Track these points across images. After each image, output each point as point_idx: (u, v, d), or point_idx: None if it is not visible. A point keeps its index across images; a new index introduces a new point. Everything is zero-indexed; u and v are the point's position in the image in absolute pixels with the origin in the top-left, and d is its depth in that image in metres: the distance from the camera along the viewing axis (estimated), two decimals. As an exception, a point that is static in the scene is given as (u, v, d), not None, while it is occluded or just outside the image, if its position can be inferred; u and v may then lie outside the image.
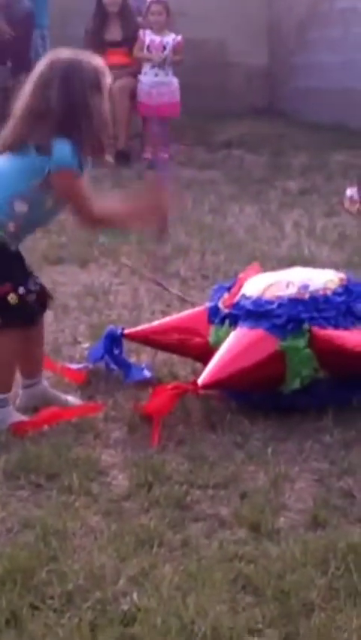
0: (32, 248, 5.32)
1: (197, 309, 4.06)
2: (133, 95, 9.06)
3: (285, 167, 8.60)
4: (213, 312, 3.86)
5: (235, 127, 10.36)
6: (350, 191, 7.16)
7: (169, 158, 9.04)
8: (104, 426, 3.59)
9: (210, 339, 3.80)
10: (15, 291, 3.54)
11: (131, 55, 9.04)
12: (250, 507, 3.05)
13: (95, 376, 4.00)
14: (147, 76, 8.99)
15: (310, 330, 3.61)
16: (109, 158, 3.60)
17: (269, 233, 6.44)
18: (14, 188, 3.51)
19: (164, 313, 4.72)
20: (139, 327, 4.14)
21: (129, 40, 9.05)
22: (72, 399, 3.79)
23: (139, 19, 9.20)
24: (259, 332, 3.63)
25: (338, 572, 2.71)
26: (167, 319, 4.16)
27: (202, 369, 3.69)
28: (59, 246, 5.93)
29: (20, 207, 3.52)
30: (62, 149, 3.46)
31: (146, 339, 4.04)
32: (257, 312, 3.67)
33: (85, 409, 3.69)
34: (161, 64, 8.95)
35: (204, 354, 3.77)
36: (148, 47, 8.95)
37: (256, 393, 3.69)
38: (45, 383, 3.80)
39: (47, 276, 5.24)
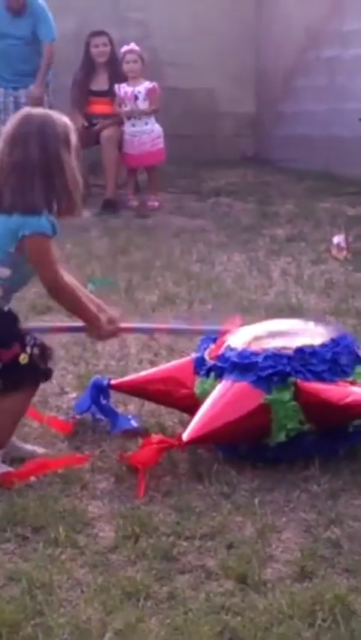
0: (20, 297, 5.32)
1: (183, 359, 4.07)
2: (120, 144, 9.15)
3: (273, 215, 8.66)
4: (199, 363, 3.87)
5: (224, 175, 10.44)
6: (337, 239, 7.20)
7: (159, 206, 9.11)
8: (91, 477, 3.58)
9: (196, 390, 3.80)
10: (24, 350, 3.57)
11: (117, 104, 9.16)
12: (236, 558, 3.04)
13: (82, 427, 4.00)
14: (127, 127, 9.10)
15: (295, 383, 3.62)
16: (85, 213, 3.63)
17: (257, 281, 6.47)
18: None
19: (152, 363, 4.73)
20: (126, 378, 4.14)
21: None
22: (38, 449, 3.78)
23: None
24: (243, 385, 3.63)
25: (324, 624, 2.69)
26: (154, 370, 4.16)
27: (189, 420, 3.69)
28: (47, 295, 5.92)
29: (3, 272, 3.56)
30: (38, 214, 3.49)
31: (132, 390, 4.04)
32: (242, 365, 3.67)
33: (72, 460, 3.69)
34: (136, 115, 9.04)
35: (190, 406, 3.77)
36: (122, 98, 9.06)
37: (242, 445, 3.69)
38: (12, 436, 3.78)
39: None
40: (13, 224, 3.50)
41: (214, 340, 3.94)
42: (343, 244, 7.13)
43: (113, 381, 4.04)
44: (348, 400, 3.57)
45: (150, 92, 9.04)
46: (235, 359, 3.70)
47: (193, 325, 4.47)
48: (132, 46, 9.13)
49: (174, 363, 4.13)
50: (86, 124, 9.08)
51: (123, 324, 3.95)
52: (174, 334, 4.73)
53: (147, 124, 9.08)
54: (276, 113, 11.26)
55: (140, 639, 2.64)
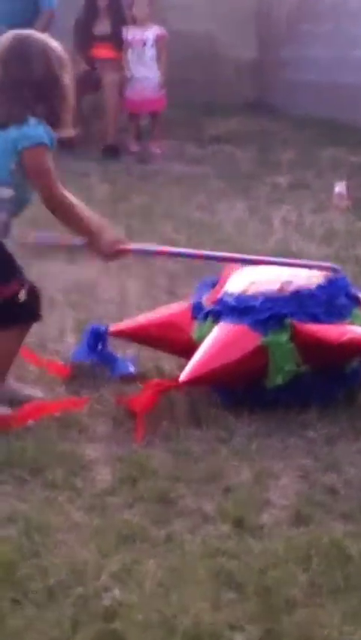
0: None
1: (181, 304, 4.05)
2: (122, 88, 9.06)
3: (274, 163, 8.59)
4: (197, 308, 3.86)
5: (225, 122, 10.34)
6: (339, 187, 7.15)
7: (161, 153, 9.04)
8: (89, 420, 3.58)
9: (194, 335, 3.79)
10: (23, 287, 3.58)
11: (120, 49, 9.04)
12: (233, 502, 3.05)
13: (80, 370, 3.99)
14: (130, 72, 9.01)
15: (292, 325, 3.61)
16: (70, 132, 3.70)
17: (257, 228, 6.44)
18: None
19: (151, 309, 4.71)
20: (123, 324, 4.12)
21: (118, 35, 9.05)
22: (36, 393, 3.77)
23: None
24: (241, 327, 3.63)
25: (319, 569, 2.71)
26: (151, 314, 4.14)
27: (184, 364, 3.69)
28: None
29: (6, 193, 3.55)
30: (35, 125, 3.51)
31: (131, 336, 4.03)
32: (240, 308, 3.67)
33: (69, 403, 3.69)
34: (143, 61, 8.95)
35: (188, 350, 3.75)
36: (130, 43, 8.96)
37: (239, 389, 3.69)
38: (10, 379, 3.79)
39: (35, 270, 5.21)
40: (11, 139, 3.50)
41: (212, 285, 3.93)
42: (344, 193, 7.08)
43: (111, 328, 4.02)
44: (345, 338, 3.57)
45: (158, 39, 8.94)
46: (233, 303, 3.70)
47: (196, 251, 4.40)
48: None
49: (171, 307, 4.11)
50: (87, 67, 8.98)
51: (127, 245, 3.86)
52: (176, 257, 4.62)
53: (151, 69, 9.00)
54: (279, 58, 11.13)
55: (136, 581, 2.66)
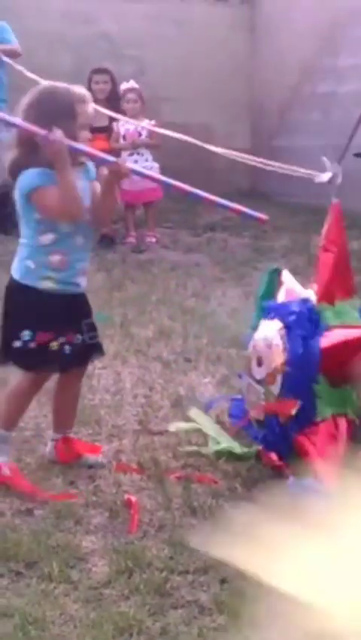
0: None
1: None
2: (117, 180, 9.18)
3: (268, 250, 8.69)
4: None
5: (219, 210, 10.45)
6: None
7: (156, 241, 9.14)
8: (85, 512, 3.58)
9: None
10: (56, 339, 3.75)
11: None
12: (230, 593, 3.03)
13: (78, 462, 3.99)
14: (128, 163, 9.13)
15: None
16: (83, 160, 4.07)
17: (252, 315, 6.47)
18: (27, 222, 3.74)
19: (146, 397, 4.74)
20: None
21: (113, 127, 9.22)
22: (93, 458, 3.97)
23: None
24: None
25: (318, 659, 2.69)
26: None
27: (183, 454, 3.70)
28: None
29: (47, 239, 3.72)
30: (27, 174, 3.69)
31: None
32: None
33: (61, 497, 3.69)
34: (138, 151, 9.10)
35: None
36: (124, 137, 9.12)
37: None
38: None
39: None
40: (16, 191, 3.71)
41: None
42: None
43: None
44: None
45: (151, 132, 9.10)
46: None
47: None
48: (132, 84, 9.20)
49: None
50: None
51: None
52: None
53: (147, 160, 9.14)
54: (271, 147, 11.33)
55: (132, 675, 2.63)
